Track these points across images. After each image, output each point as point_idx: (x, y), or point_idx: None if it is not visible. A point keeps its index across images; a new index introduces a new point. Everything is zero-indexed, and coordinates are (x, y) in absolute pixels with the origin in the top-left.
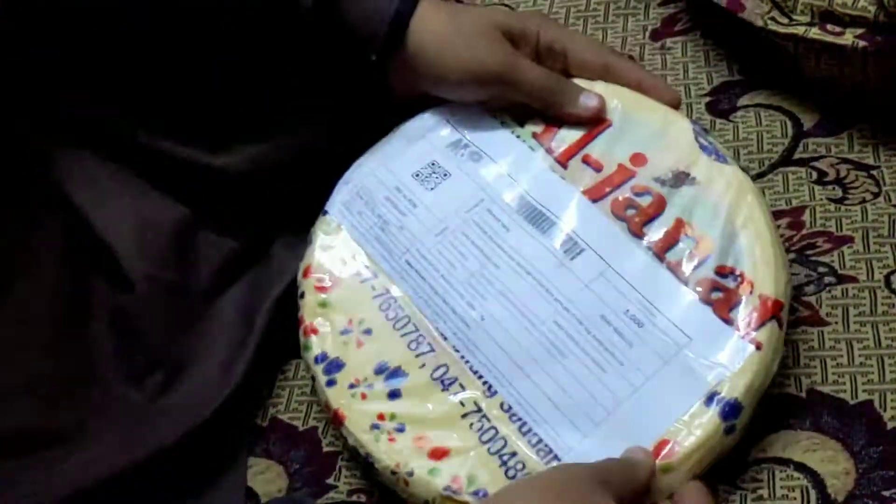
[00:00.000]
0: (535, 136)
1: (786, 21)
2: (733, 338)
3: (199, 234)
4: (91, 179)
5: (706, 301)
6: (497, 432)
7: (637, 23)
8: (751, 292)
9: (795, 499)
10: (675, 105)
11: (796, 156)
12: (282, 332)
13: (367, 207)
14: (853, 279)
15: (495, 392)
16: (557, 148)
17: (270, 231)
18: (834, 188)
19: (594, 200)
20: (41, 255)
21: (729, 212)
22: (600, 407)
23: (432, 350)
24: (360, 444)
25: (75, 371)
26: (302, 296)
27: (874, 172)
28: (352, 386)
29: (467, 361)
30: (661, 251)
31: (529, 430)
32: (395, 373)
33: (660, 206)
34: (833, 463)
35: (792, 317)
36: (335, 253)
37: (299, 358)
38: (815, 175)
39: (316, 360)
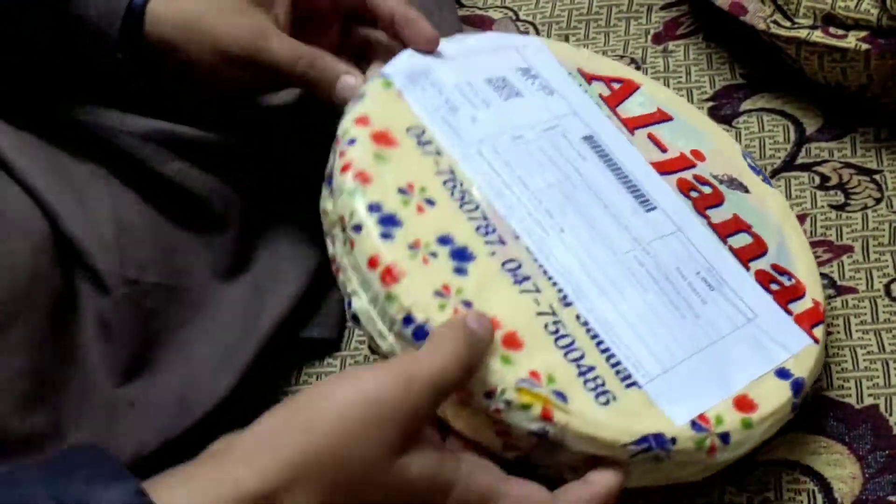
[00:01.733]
0: (601, 96)
1: (788, 24)
2: (794, 327)
3: (184, 234)
4: (69, 179)
5: (766, 290)
6: (574, 342)
7: (639, 26)
8: (805, 293)
9: (802, 502)
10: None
11: (799, 161)
12: (286, 341)
13: (434, 87)
14: (853, 290)
15: (570, 303)
16: (623, 115)
17: (267, 230)
18: (836, 193)
19: (661, 174)
20: (21, 252)
21: (778, 222)
22: (680, 346)
23: (503, 242)
24: (417, 309)
25: (56, 370)
26: (352, 142)
27: (877, 177)
28: (412, 247)
29: (541, 265)
30: (724, 235)
31: (608, 350)
32: (462, 251)
33: (719, 198)
34: (839, 467)
35: None
36: (394, 115)
37: (305, 363)
38: (817, 180)
39: (370, 208)
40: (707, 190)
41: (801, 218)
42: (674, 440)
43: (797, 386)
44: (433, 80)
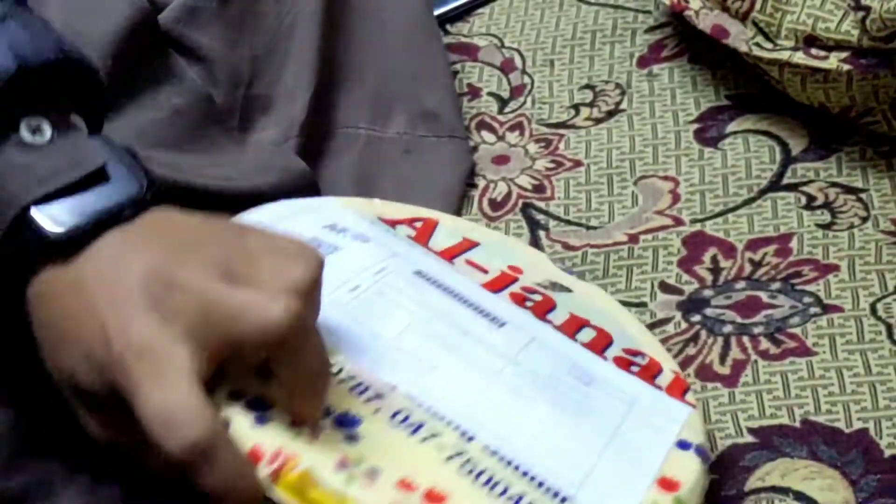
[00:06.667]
0: (409, 237)
1: (770, 46)
2: (669, 399)
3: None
4: None
5: (630, 372)
6: (493, 476)
7: (624, 49)
8: (662, 368)
9: None
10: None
11: (785, 181)
12: None
13: None
14: (839, 308)
15: (472, 437)
16: (436, 248)
17: None
18: (822, 213)
19: (493, 292)
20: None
21: (609, 311)
22: (589, 446)
23: (381, 397)
24: (331, 494)
25: (44, 426)
26: None
27: (862, 196)
28: (293, 424)
29: (429, 408)
30: (571, 334)
31: (527, 472)
32: (345, 417)
33: (550, 303)
34: (832, 491)
35: (778, 349)
36: None
37: None
38: (803, 200)
39: (231, 395)
40: (538, 298)
41: (788, 237)
42: None
43: (701, 452)
44: None
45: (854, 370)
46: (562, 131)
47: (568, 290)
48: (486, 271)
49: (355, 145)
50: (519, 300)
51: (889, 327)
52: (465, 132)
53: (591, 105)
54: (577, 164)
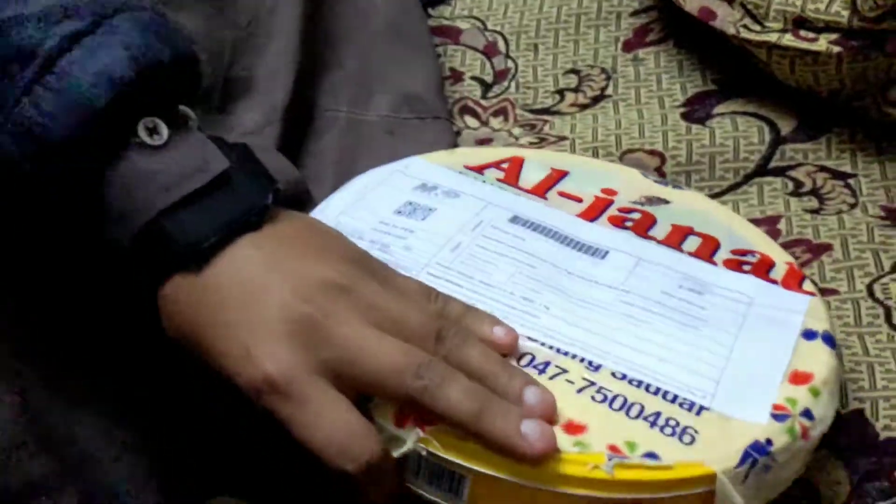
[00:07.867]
0: (498, 180)
1: (758, 28)
2: (786, 292)
3: None
4: None
5: (743, 272)
6: (626, 399)
7: (609, 34)
8: (774, 262)
9: None
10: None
11: (773, 164)
12: None
13: (355, 236)
14: (834, 291)
15: (599, 366)
16: (526, 186)
17: None
18: (810, 199)
19: (591, 220)
20: None
21: (712, 214)
22: (714, 355)
23: None
24: None
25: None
26: None
27: (851, 181)
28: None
29: (551, 347)
30: (677, 244)
31: (659, 390)
32: None
33: (650, 218)
34: (826, 472)
35: None
36: None
37: None
38: (790, 186)
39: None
40: (636, 216)
41: (776, 219)
42: (769, 441)
43: (829, 339)
44: (351, 232)
45: (853, 349)
46: (546, 117)
47: (665, 201)
48: (580, 200)
49: (335, 127)
50: (618, 222)
51: (888, 311)
52: (449, 114)
53: (576, 90)
54: (562, 138)
